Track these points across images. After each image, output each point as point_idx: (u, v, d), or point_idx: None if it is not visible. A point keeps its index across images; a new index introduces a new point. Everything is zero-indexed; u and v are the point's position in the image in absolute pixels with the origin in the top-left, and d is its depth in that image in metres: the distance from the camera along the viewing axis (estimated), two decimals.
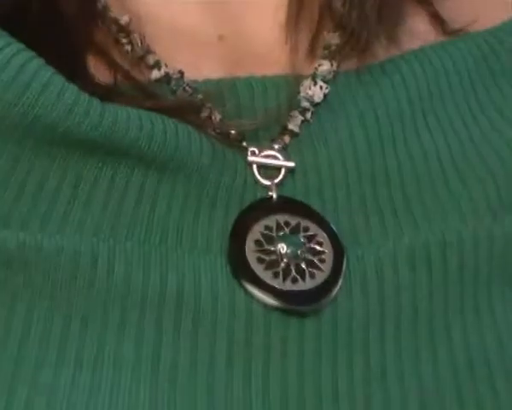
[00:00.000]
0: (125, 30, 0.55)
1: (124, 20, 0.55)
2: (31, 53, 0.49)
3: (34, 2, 0.53)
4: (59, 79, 0.49)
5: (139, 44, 0.55)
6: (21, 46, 0.49)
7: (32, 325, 0.47)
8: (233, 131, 0.51)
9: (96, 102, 0.48)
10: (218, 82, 0.53)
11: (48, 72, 0.49)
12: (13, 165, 0.50)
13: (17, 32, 0.52)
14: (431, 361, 0.48)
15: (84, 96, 0.49)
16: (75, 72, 0.51)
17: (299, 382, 0.46)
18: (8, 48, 0.50)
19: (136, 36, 0.54)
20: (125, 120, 0.49)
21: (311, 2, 0.57)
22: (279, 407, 0.45)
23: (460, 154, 0.54)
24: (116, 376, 0.45)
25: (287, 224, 0.49)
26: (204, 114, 0.52)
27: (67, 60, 0.52)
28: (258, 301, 0.47)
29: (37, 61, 0.49)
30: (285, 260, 0.48)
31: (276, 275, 0.48)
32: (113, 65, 0.53)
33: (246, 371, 0.46)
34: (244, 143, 0.51)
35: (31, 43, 0.51)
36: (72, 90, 0.48)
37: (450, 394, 0.48)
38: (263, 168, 0.51)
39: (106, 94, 0.51)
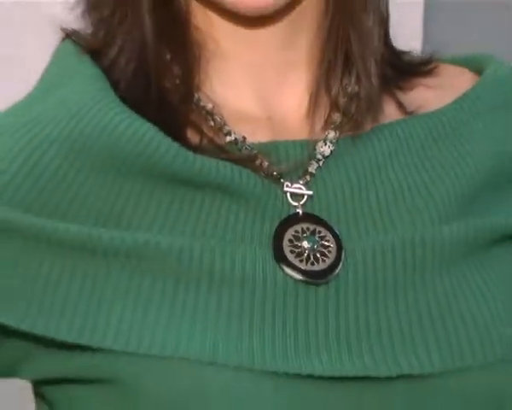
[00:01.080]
0: (209, 112, 0.75)
1: (209, 106, 0.75)
2: (150, 125, 0.71)
3: (153, 95, 0.73)
4: (168, 140, 0.70)
5: (218, 121, 0.74)
6: (144, 120, 0.71)
7: (156, 291, 0.69)
8: (275, 173, 0.72)
9: (191, 154, 0.70)
10: (267, 144, 0.74)
11: (161, 136, 0.70)
12: (138, 191, 0.71)
13: (142, 111, 0.72)
14: (404, 311, 0.70)
15: (184, 151, 0.70)
16: (178, 136, 0.72)
17: (315, 319, 0.69)
18: (138, 121, 0.71)
19: (216, 116, 0.74)
20: (212, 164, 0.70)
21: (326, 94, 0.77)
22: (304, 337, 0.68)
23: (417, 184, 0.75)
24: (195, 314, 0.67)
25: (308, 229, 0.71)
26: (257, 162, 0.72)
27: (174, 129, 0.72)
28: (291, 276, 0.69)
29: (155, 130, 0.71)
30: (307, 251, 0.70)
31: (301, 261, 0.70)
32: (202, 133, 0.74)
33: (281, 317, 0.69)
34: (282, 180, 0.72)
35: (151, 118, 0.72)
36: (176, 147, 0.70)
37: (414, 328, 0.70)
38: (293, 195, 0.72)
39: (198, 150, 0.72)
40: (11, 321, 0.69)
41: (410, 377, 0.69)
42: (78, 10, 0.77)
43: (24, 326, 0.68)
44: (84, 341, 0.68)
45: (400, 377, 0.69)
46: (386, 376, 0.68)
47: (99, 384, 0.70)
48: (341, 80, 0.77)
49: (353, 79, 0.77)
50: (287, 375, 0.67)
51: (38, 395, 0.76)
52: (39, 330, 0.68)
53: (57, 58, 0.77)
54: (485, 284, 0.75)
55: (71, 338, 0.68)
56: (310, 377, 0.67)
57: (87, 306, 0.68)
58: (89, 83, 0.73)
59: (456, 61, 0.85)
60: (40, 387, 0.75)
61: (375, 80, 0.76)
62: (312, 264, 0.70)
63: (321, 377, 0.67)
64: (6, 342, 0.71)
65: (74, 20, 0.78)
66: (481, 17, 3.12)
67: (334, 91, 0.77)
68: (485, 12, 3.00)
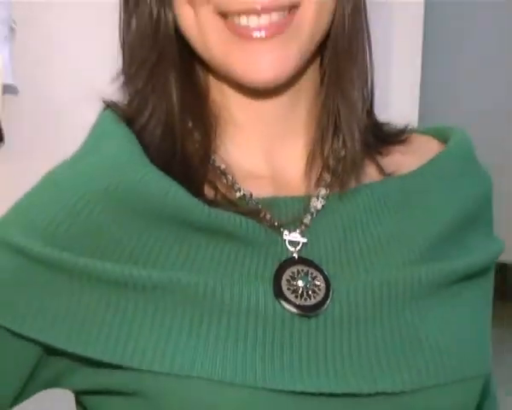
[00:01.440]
0: (223, 172, 0.79)
1: (222, 167, 0.80)
2: (174, 182, 0.75)
3: (177, 156, 0.78)
4: (188, 195, 0.74)
5: (230, 179, 0.79)
6: (169, 178, 0.75)
7: (176, 319, 0.73)
8: (276, 223, 0.77)
9: (207, 207, 0.75)
10: (269, 199, 0.78)
11: (183, 191, 0.75)
12: (163, 236, 0.75)
13: (167, 170, 0.76)
14: (380, 339, 0.75)
15: (201, 204, 0.75)
16: (197, 192, 0.76)
17: (307, 345, 0.74)
18: (164, 179, 0.75)
19: (228, 175, 0.79)
20: (224, 216, 0.75)
21: (319, 157, 0.82)
22: (298, 358, 0.72)
23: (392, 234, 0.80)
24: (207, 339, 0.71)
25: (302, 271, 0.76)
26: (262, 214, 0.77)
27: (193, 185, 0.77)
28: (287, 310, 0.74)
29: (178, 186, 0.75)
30: (301, 289, 0.75)
31: (296, 297, 0.74)
32: (216, 189, 0.78)
33: (279, 343, 0.73)
34: (281, 229, 0.77)
35: (175, 176, 0.76)
36: (195, 201, 0.74)
37: (388, 353, 0.75)
38: (290, 242, 0.77)
39: (213, 204, 0.76)
40: (57, 343, 0.73)
41: (384, 394, 0.74)
42: (118, 83, 0.81)
43: (67, 347, 0.73)
44: (115, 360, 0.72)
45: (377, 394, 0.73)
46: (366, 393, 0.73)
47: (127, 397, 0.74)
48: (332, 145, 0.81)
49: (341, 144, 0.81)
50: (284, 392, 0.71)
51: (78, 402, 0.80)
52: (79, 350, 0.73)
53: (99, 124, 0.81)
54: (447, 315, 0.79)
55: (105, 358, 0.72)
56: (302, 393, 0.72)
57: (118, 331, 0.72)
58: (124, 146, 0.77)
59: (426, 131, 0.89)
60: (79, 396, 0.79)
61: (358, 146, 0.81)
62: (305, 300, 0.75)
63: (312, 394, 0.72)
64: (52, 360, 0.75)
65: (114, 92, 0.82)
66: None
67: (325, 155, 0.81)
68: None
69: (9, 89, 1.93)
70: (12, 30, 1.89)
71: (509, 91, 4.66)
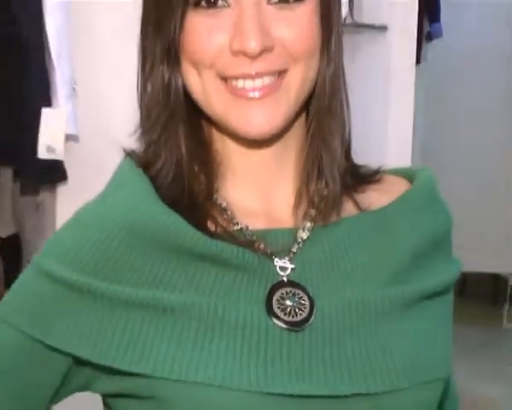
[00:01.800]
0: (223, 209, 0.81)
1: (223, 204, 0.81)
2: (182, 218, 0.77)
3: (185, 196, 0.79)
4: (193, 229, 0.77)
5: (229, 214, 0.81)
6: (177, 215, 0.77)
7: (183, 333, 0.74)
8: (268, 252, 0.79)
9: (209, 239, 0.77)
10: (263, 231, 0.80)
11: (189, 226, 0.77)
12: (173, 264, 0.76)
13: (176, 207, 0.78)
14: (357, 348, 0.76)
15: (205, 236, 0.77)
16: (201, 226, 0.78)
17: (295, 355, 0.74)
18: (173, 216, 0.77)
19: (228, 211, 0.81)
20: (224, 246, 0.77)
21: (305, 195, 0.83)
22: (287, 367, 0.74)
23: (367, 260, 0.81)
24: (210, 350, 0.73)
25: (290, 292, 0.78)
26: (256, 244, 0.79)
27: (198, 220, 0.78)
28: (277, 325, 0.76)
29: (185, 222, 0.77)
30: (289, 307, 0.77)
31: (285, 314, 0.76)
32: (217, 223, 0.80)
33: (271, 353, 0.74)
34: (273, 257, 0.79)
35: (183, 212, 0.78)
36: (199, 234, 0.77)
37: (363, 360, 0.75)
38: (281, 268, 0.79)
39: (215, 236, 0.78)
40: (84, 355, 0.76)
41: (361, 395, 0.75)
42: (136, 135, 0.83)
43: (93, 358, 0.75)
44: (132, 369, 0.74)
45: (354, 395, 0.75)
46: (345, 394, 0.75)
47: (143, 399, 0.76)
48: (316, 186, 0.83)
49: (323, 185, 0.82)
50: (275, 394, 0.73)
51: (105, 403, 0.82)
52: (103, 361, 0.75)
53: (119, 169, 0.83)
54: (413, 328, 0.80)
55: (123, 367, 0.75)
56: (291, 395, 0.73)
57: (135, 344, 0.74)
58: (140, 188, 0.79)
59: (396, 172, 0.90)
60: (106, 398, 0.81)
61: (338, 186, 0.82)
62: (293, 316, 0.77)
63: (300, 396, 0.74)
64: (80, 369, 0.78)
65: (133, 142, 0.83)
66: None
67: (310, 194, 0.83)
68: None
69: (72, 137, 1.98)
70: (74, 89, 1.92)
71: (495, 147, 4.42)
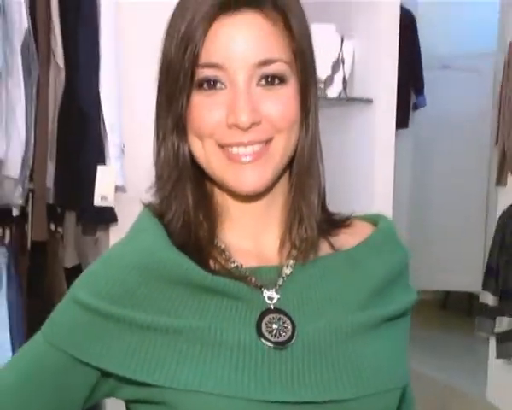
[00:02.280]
0: (222, 250, 0.83)
1: (222, 246, 0.83)
2: (188, 259, 0.78)
3: (191, 240, 0.80)
4: (197, 267, 0.79)
5: (227, 254, 0.82)
6: (185, 256, 0.78)
7: (188, 351, 0.75)
8: (259, 285, 0.81)
9: (210, 275, 0.79)
10: (254, 268, 0.81)
11: (194, 265, 0.78)
12: (180, 296, 0.76)
13: (184, 250, 0.79)
14: (330, 363, 0.76)
15: (207, 273, 0.79)
16: (204, 264, 0.80)
17: (280, 369, 0.75)
18: (181, 257, 0.78)
19: (226, 252, 0.82)
20: (224, 281, 0.79)
21: (288, 239, 0.83)
22: (278, 380, 0.74)
23: (340, 291, 0.81)
24: (210, 365, 0.73)
25: (276, 317, 0.79)
26: (249, 279, 0.80)
27: (202, 260, 0.80)
28: (266, 345, 0.78)
29: (190, 261, 0.78)
30: (275, 330, 0.78)
31: (272, 335, 0.78)
32: (217, 262, 0.81)
33: (261, 368, 0.75)
34: (262, 289, 0.81)
35: (189, 253, 0.79)
36: (202, 271, 0.79)
37: (337, 373, 0.76)
38: (269, 298, 0.80)
39: (215, 273, 0.79)
40: (110, 368, 0.77)
41: (335, 401, 0.76)
42: (152, 190, 0.84)
43: (118, 371, 0.77)
44: (147, 380, 0.75)
45: (330, 401, 0.76)
46: (322, 400, 0.76)
47: (157, 404, 0.77)
48: (297, 231, 0.84)
49: (303, 230, 0.83)
50: (265, 401, 0.74)
51: (127, 408, 0.83)
52: (125, 373, 0.76)
53: (139, 217, 0.85)
54: (377, 346, 0.81)
55: (140, 378, 0.76)
56: (277, 402, 0.75)
57: (150, 360, 0.75)
58: (155, 234, 0.80)
59: (364, 217, 0.91)
60: (127, 403, 0.82)
61: (315, 232, 0.84)
62: (278, 337, 0.78)
63: (285, 402, 0.75)
64: (107, 380, 0.80)
65: (151, 196, 0.84)
66: None
67: (293, 238, 0.84)
68: None
69: (121, 188, 2.03)
70: (122, 151, 1.95)
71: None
